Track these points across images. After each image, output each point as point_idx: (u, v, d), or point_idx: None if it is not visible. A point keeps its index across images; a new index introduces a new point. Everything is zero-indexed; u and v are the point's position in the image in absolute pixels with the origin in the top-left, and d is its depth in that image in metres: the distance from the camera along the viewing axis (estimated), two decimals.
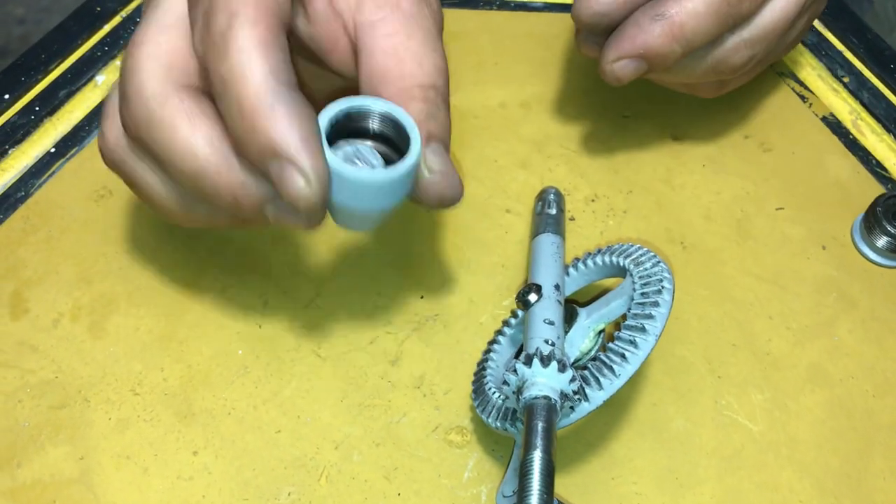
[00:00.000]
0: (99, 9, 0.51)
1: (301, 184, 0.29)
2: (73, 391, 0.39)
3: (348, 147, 0.31)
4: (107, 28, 0.51)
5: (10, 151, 0.46)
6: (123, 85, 0.32)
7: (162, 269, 0.42)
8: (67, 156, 0.46)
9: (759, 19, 0.40)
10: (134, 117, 0.31)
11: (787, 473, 0.38)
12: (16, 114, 0.47)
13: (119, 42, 0.50)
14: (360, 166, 0.31)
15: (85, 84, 0.49)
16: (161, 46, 0.32)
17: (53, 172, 0.46)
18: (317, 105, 0.32)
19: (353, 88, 0.34)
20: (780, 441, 0.39)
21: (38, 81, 0.48)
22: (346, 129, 0.31)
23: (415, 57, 0.32)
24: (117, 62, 0.50)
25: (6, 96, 0.48)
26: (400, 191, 0.31)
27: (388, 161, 0.32)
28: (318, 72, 0.37)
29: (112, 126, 0.34)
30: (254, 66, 0.29)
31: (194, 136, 0.31)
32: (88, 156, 0.46)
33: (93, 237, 0.43)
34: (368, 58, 0.33)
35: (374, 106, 0.31)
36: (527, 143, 0.47)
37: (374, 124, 0.31)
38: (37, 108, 0.47)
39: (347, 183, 0.29)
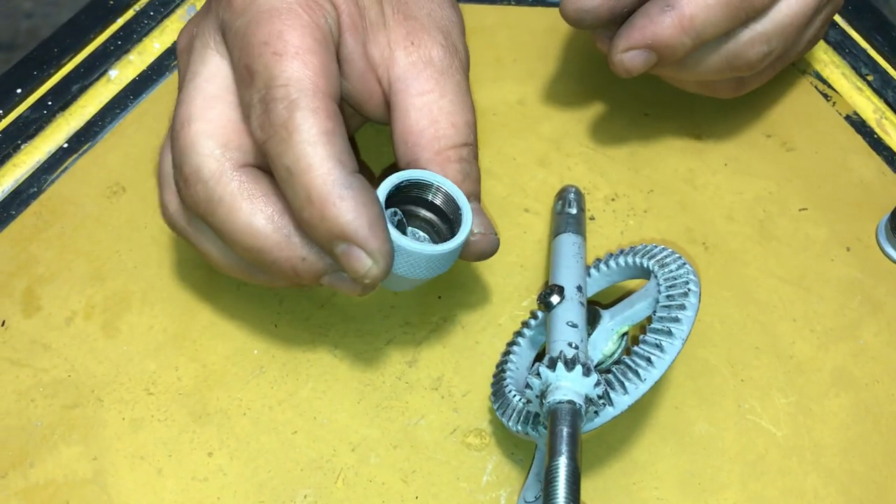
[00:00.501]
0: (112, 2, 0.51)
1: (368, 263, 0.31)
2: (86, 390, 0.39)
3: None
4: (120, 22, 0.50)
5: (22, 146, 0.46)
6: (180, 165, 0.33)
7: (176, 267, 0.42)
8: (80, 151, 0.46)
9: (774, 13, 0.40)
10: (193, 198, 0.33)
11: (811, 479, 0.37)
12: (28, 108, 0.47)
13: (132, 36, 0.50)
14: (420, 240, 0.34)
15: (98, 79, 0.48)
16: (212, 122, 0.33)
17: (66, 168, 0.45)
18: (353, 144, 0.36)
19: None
20: (804, 446, 0.38)
21: (50, 76, 0.48)
22: (403, 194, 0.34)
23: (448, 117, 0.34)
24: (130, 56, 0.49)
25: (18, 90, 0.47)
26: (452, 260, 0.34)
27: (433, 225, 0.35)
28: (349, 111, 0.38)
29: (171, 197, 0.35)
30: (319, 157, 0.30)
31: (255, 216, 0.32)
32: (101, 152, 0.46)
33: (106, 234, 0.43)
34: (403, 116, 0.34)
35: (433, 180, 0.34)
36: (546, 140, 0.47)
37: (431, 194, 0.34)
38: (49, 103, 0.47)
39: (409, 256, 0.32)
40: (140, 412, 0.38)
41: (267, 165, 0.33)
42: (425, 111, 0.34)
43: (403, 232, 0.34)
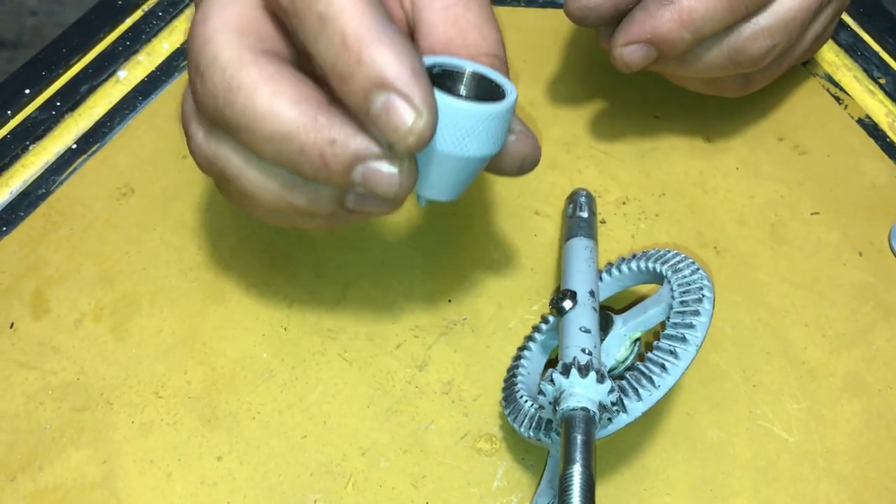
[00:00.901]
0: (120, 2, 0.50)
1: (412, 117, 0.27)
2: (95, 393, 0.39)
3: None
4: (128, 22, 0.50)
5: (31, 147, 0.46)
6: (195, 60, 0.30)
7: (185, 270, 0.42)
8: (89, 152, 0.46)
9: (776, 6, 0.39)
10: (211, 89, 0.30)
11: (823, 486, 0.37)
12: (36, 109, 0.47)
13: (141, 36, 0.49)
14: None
15: (107, 79, 0.48)
16: (230, 18, 0.31)
17: (75, 169, 0.45)
18: None
19: None
20: (816, 452, 0.38)
21: (58, 76, 0.48)
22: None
23: (476, 28, 0.32)
24: (139, 57, 0.49)
25: (27, 91, 0.47)
26: (500, 133, 0.29)
27: None
28: None
29: (196, 124, 0.32)
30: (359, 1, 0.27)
31: (277, 98, 0.29)
32: (110, 153, 0.46)
33: (115, 236, 0.43)
34: (428, 30, 0.32)
35: (464, 65, 0.30)
36: (556, 143, 0.46)
37: (464, 84, 0.30)
38: (58, 104, 0.47)
39: (456, 117, 0.28)
40: (149, 415, 0.38)
41: (289, 56, 0.31)
42: (451, 23, 0.32)
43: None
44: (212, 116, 0.31)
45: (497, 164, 0.32)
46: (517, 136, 0.32)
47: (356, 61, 0.27)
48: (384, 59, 0.27)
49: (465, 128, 0.28)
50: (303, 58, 0.32)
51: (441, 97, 0.28)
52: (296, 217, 0.32)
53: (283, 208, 0.32)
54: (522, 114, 0.47)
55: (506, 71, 0.32)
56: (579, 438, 0.29)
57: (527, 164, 0.33)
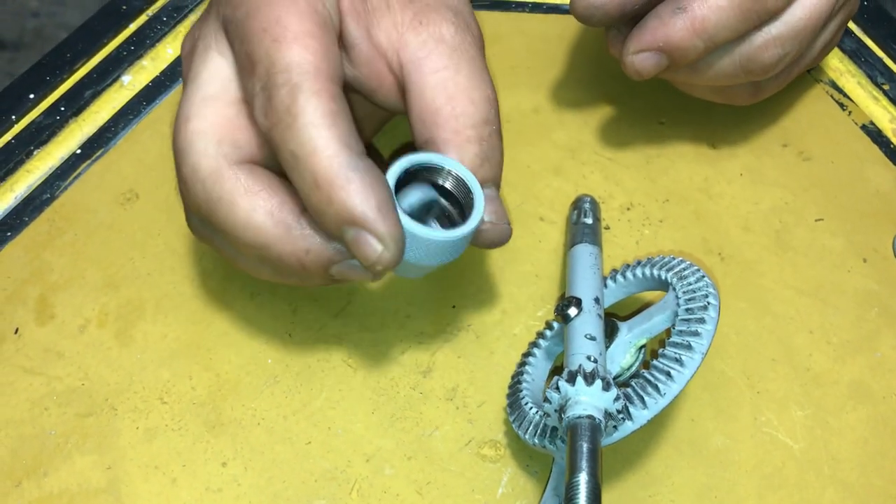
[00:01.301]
0: (125, 7, 0.50)
1: (379, 249, 0.30)
2: (99, 399, 0.39)
3: (413, 199, 0.33)
4: (132, 27, 0.50)
5: (35, 152, 0.46)
6: (179, 163, 0.33)
7: (190, 276, 0.42)
8: (93, 157, 0.45)
9: (787, 15, 0.39)
10: (193, 198, 0.32)
11: (829, 493, 0.37)
12: (41, 114, 0.47)
13: (145, 41, 0.49)
14: (430, 226, 0.33)
15: (111, 84, 0.48)
16: (207, 120, 0.33)
17: (79, 174, 0.45)
18: (363, 135, 0.34)
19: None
20: (821, 459, 0.38)
21: (63, 81, 0.48)
22: (409, 178, 0.33)
23: (465, 92, 0.33)
24: (144, 62, 0.49)
25: (31, 96, 0.47)
26: (463, 246, 0.33)
27: (444, 210, 0.34)
28: (361, 99, 0.37)
29: (191, 214, 0.35)
30: (324, 139, 0.29)
31: (254, 212, 0.31)
32: (115, 158, 0.45)
33: (119, 241, 0.43)
34: (418, 97, 0.33)
35: (445, 164, 0.33)
36: (560, 149, 0.46)
37: (443, 178, 0.33)
38: (62, 109, 0.47)
39: (419, 242, 0.31)
40: (154, 421, 0.38)
41: (266, 162, 0.33)
42: (440, 88, 0.33)
43: (420, 216, 0.33)
44: (199, 217, 0.33)
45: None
46: (488, 227, 0.34)
47: (327, 201, 0.30)
48: (352, 200, 0.29)
49: (427, 249, 0.32)
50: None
51: (408, 224, 0.31)
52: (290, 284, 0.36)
53: (264, 278, 0.35)
54: (527, 121, 0.47)
55: (495, 137, 0.34)
56: (585, 447, 0.29)
57: (495, 246, 0.35)
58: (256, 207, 0.31)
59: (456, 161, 0.33)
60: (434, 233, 0.31)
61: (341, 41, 0.33)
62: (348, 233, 0.30)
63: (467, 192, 0.33)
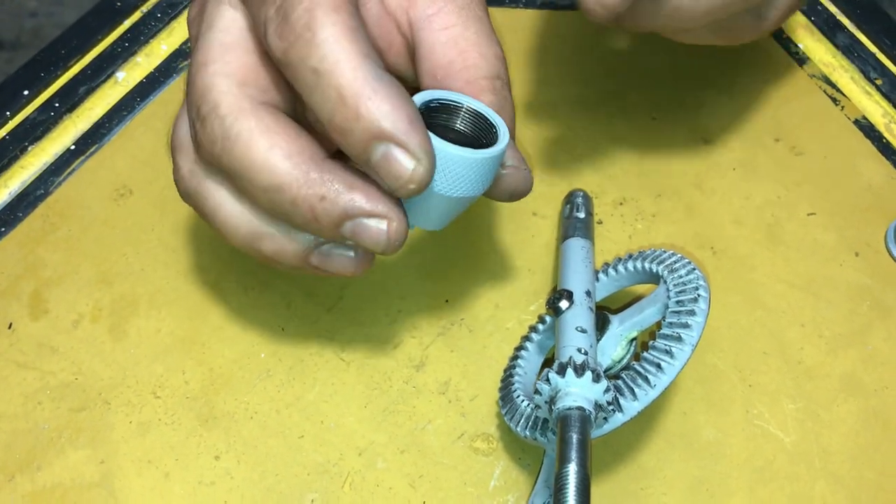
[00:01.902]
0: (119, 4, 0.51)
1: (411, 165, 0.28)
2: (93, 393, 0.39)
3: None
4: (127, 24, 0.50)
5: (29, 148, 0.46)
6: (198, 104, 0.31)
7: (183, 271, 0.42)
8: (87, 153, 0.46)
9: None
10: (210, 136, 0.31)
11: (820, 486, 0.37)
12: (35, 110, 0.47)
13: (139, 38, 0.49)
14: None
15: (105, 80, 0.48)
16: (230, 65, 0.32)
17: (73, 170, 0.45)
18: None
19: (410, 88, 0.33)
20: (812, 452, 0.38)
21: (57, 77, 0.48)
22: (427, 122, 0.30)
23: (476, 47, 0.32)
24: (138, 58, 0.49)
25: (25, 92, 0.47)
26: (491, 175, 0.30)
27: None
28: None
29: (185, 157, 0.33)
30: (347, 52, 0.28)
31: (272, 151, 0.30)
32: (109, 154, 0.46)
33: (113, 237, 0.43)
34: (429, 52, 0.32)
35: (462, 101, 0.31)
36: (553, 144, 0.46)
37: (460, 119, 0.31)
38: (56, 105, 0.47)
39: (450, 163, 0.29)
40: (147, 415, 0.38)
41: (289, 110, 0.32)
42: (451, 44, 0.32)
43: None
44: (209, 159, 0.31)
45: (488, 193, 0.33)
46: (509, 171, 0.32)
47: (354, 116, 0.28)
48: (381, 111, 0.28)
49: (456, 172, 0.29)
50: (299, 106, 0.33)
51: (435, 142, 0.29)
52: (261, 260, 0.33)
53: (249, 252, 0.33)
54: (518, 116, 0.47)
55: (507, 91, 0.33)
56: (575, 438, 0.29)
57: (517, 195, 0.33)
58: (276, 146, 0.30)
59: (472, 98, 0.31)
60: (466, 151, 0.29)
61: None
62: (377, 151, 0.28)
63: (488, 126, 0.31)
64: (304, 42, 0.28)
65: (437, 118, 0.31)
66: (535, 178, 0.44)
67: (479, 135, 0.31)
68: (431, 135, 0.29)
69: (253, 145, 0.30)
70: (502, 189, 0.32)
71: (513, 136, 0.33)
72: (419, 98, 0.30)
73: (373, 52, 0.29)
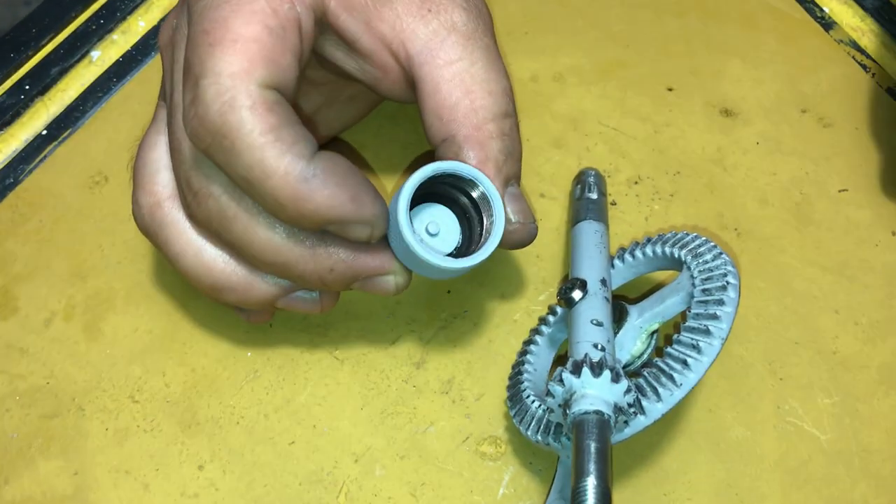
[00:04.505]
0: None
1: (367, 230, 0.30)
2: (66, 398, 0.37)
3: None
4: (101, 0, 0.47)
5: None
6: (188, 179, 0.31)
7: (163, 264, 0.40)
8: (60, 139, 0.43)
9: None
10: (205, 213, 0.31)
11: (860, 488, 0.35)
12: (4, 93, 0.44)
13: (115, 14, 0.47)
14: (437, 243, 0.32)
15: (79, 60, 0.46)
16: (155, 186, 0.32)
17: (45, 157, 0.43)
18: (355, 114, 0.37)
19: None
20: (851, 451, 0.35)
21: (28, 58, 0.46)
22: (434, 185, 0.31)
23: (482, 85, 0.32)
24: (114, 36, 0.47)
25: None
26: (472, 268, 0.32)
27: (466, 212, 0.32)
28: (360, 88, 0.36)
29: (146, 195, 0.33)
30: (272, 158, 0.28)
31: (274, 229, 0.30)
32: (83, 138, 0.43)
33: (88, 228, 0.41)
34: (433, 91, 0.32)
35: (470, 175, 0.31)
36: (561, 120, 0.43)
37: (469, 188, 0.32)
38: (27, 87, 0.45)
39: (425, 266, 0.31)
40: (124, 422, 0.36)
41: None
42: (457, 82, 0.31)
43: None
44: (207, 230, 0.31)
45: None
46: (515, 228, 0.32)
47: (298, 216, 0.29)
48: (324, 208, 0.28)
49: (429, 270, 0.31)
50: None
51: (411, 242, 0.30)
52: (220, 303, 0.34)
53: (207, 296, 0.33)
54: (524, 91, 0.44)
55: (515, 130, 0.33)
56: (593, 446, 0.27)
57: (521, 246, 0.33)
58: (275, 224, 0.30)
59: (482, 175, 0.31)
60: (440, 259, 0.30)
61: (342, 37, 0.32)
62: (331, 228, 0.30)
63: (490, 208, 0.31)
64: (223, 150, 0.28)
65: (449, 180, 0.31)
66: (542, 155, 0.42)
67: (484, 207, 0.31)
68: (409, 233, 0.30)
69: (253, 225, 0.30)
70: (506, 243, 0.32)
71: (519, 180, 0.33)
72: (432, 169, 0.30)
73: (299, 140, 0.28)
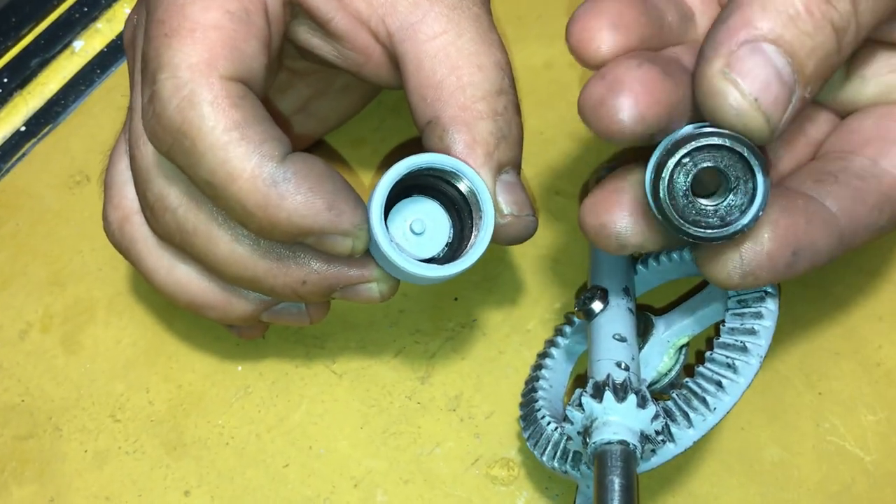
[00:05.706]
0: None
1: (348, 243, 0.28)
2: (42, 418, 0.36)
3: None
4: None
5: None
6: (143, 191, 0.30)
7: None
8: (39, 135, 0.43)
9: None
10: (165, 228, 0.30)
11: None
12: None
13: (99, 1, 0.46)
14: (423, 243, 0.30)
15: (61, 51, 0.45)
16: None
17: (23, 155, 0.42)
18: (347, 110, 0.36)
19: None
20: None
21: (7, 49, 0.45)
22: (420, 178, 0.30)
23: (470, 58, 0.29)
24: (98, 25, 0.46)
25: None
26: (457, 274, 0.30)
27: (456, 204, 0.30)
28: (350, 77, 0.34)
29: (115, 210, 0.32)
30: (237, 160, 0.26)
31: (239, 243, 0.29)
32: (64, 135, 0.43)
33: (68, 231, 0.40)
34: (416, 69, 0.29)
35: (452, 167, 0.29)
36: (576, 109, 0.41)
37: (455, 181, 0.29)
38: (5, 80, 0.44)
39: (403, 273, 0.29)
40: (105, 443, 0.35)
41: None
42: (441, 57, 0.29)
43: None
44: (170, 243, 0.30)
45: None
46: (508, 221, 0.30)
47: (269, 225, 0.27)
48: (297, 216, 0.27)
49: (423, 280, 0.30)
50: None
51: (388, 251, 0.28)
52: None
53: (187, 311, 0.32)
54: (538, 79, 0.42)
55: (511, 110, 0.30)
56: (617, 482, 0.25)
57: (517, 242, 0.31)
58: (239, 236, 0.29)
59: (467, 167, 0.29)
60: (418, 268, 0.29)
61: (314, 19, 0.30)
62: (308, 241, 0.28)
63: (477, 203, 0.29)
64: (183, 151, 0.26)
65: (428, 172, 0.29)
66: (556, 149, 0.41)
67: (472, 201, 0.29)
68: (385, 241, 0.28)
69: (214, 239, 0.29)
70: (500, 239, 0.30)
71: (519, 165, 0.31)
72: (408, 164, 0.28)
73: (268, 139, 0.27)
